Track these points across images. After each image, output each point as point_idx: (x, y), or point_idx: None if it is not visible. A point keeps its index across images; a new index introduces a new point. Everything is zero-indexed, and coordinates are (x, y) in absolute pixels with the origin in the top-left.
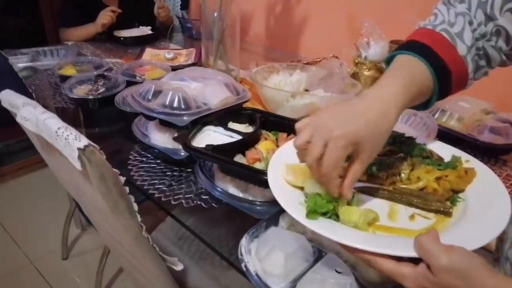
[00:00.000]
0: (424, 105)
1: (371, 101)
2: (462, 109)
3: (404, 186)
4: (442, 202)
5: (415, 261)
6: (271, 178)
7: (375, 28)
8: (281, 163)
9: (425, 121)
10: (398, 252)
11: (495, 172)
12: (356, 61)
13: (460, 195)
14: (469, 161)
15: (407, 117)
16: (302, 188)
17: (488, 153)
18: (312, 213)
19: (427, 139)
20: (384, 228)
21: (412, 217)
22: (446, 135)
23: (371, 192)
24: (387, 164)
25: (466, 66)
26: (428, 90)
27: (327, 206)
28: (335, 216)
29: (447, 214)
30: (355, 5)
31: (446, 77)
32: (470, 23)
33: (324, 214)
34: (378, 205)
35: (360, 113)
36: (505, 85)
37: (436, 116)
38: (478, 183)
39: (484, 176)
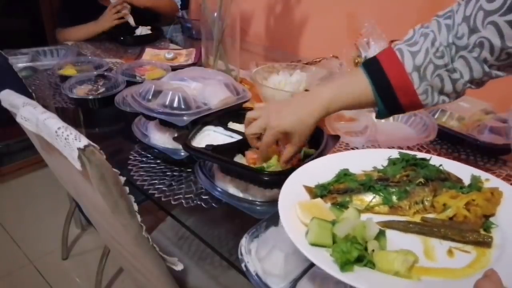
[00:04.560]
0: (377, 114)
1: (307, 101)
2: (462, 109)
3: (431, 215)
4: (478, 231)
5: None
6: (287, 225)
7: (375, 28)
8: (291, 201)
9: (425, 121)
10: None
11: (495, 172)
12: (356, 61)
13: (491, 219)
14: (489, 180)
15: (407, 117)
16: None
17: (488, 153)
18: (345, 264)
19: (439, 158)
20: (427, 271)
21: (450, 252)
22: (446, 135)
23: (400, 227)
24: (407, 192)
25: (411, 82)
26: (366, 98)
27: (355, 248)
28: (371, 264)
29: (487, 244)
30: (355, 5)
31: (388, 90)
32: (433, 43)
33: (359, 261)
34: (410, 242)
35: (294, 111)
36: (505, 85)
37: (436, 116)
38: (506, 204)
39: (509, 195)
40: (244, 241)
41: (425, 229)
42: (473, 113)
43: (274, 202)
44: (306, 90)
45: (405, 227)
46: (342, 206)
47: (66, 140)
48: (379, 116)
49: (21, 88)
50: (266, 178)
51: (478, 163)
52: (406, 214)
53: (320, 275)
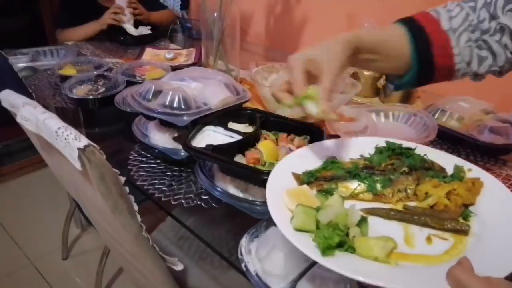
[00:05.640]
0: (400, 83)
1: (338, 37)
2: (462, 109)
3: (413, 203)
4: (457, 220)
5: None
6: (273, 210)
7: (375, 28)
8: (278, 187)
9: (425, 121)
10: None
11: (495, 172)
12: None
13: (470, 208)
14: (471, 170)
15: (407, 117)
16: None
17: (488, 153)
18: (326, 249)
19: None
20: (405, 257)
21: (428, 239)
22: (446, 135)
23: (382, 214)
24: (391, 181)
25: (449, 37)
26: (401, 50)
27: (336, 234)
28: (352, 249)
29: (464, 232)
30: (355, 5)
31: (426, 45)
32: (467, 17)
33: (340, 246)
34: (391, 228)
35: (325, 43)
36: (505, 85)
37: (436, 116)
38: (486, 194)
39: (489, 185)
40: (244, 241)
41: (406, 216)
42: (473, 113)
43: None
44: None
45: (387, 214)
46: (328, 193)
47: (66, 140)
48: (400, 85)
49: (21, 88)
50: (266, 178)
51: (478, 163)
52: (389, 202)
53: (320, 276)
